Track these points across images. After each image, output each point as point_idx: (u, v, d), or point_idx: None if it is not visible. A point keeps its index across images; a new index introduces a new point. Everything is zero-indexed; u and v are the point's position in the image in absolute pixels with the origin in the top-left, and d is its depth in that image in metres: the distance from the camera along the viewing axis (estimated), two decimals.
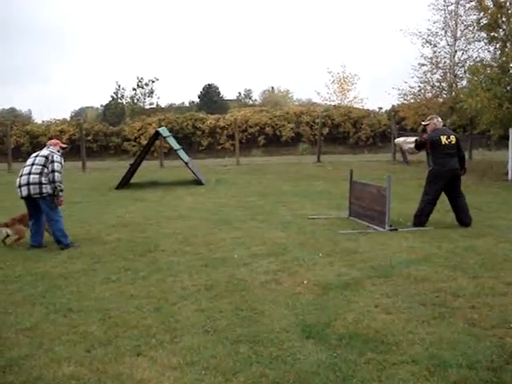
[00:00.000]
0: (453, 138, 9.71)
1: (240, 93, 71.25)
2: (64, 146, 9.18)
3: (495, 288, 6.02)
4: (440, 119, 10.20)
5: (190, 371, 4.13)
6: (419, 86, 25.61)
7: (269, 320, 5.13)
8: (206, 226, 10.03)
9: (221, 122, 34.38)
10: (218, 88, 64.40)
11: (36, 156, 8.71)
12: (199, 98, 63.18)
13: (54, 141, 9.17)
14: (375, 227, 9.60)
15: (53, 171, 8.40)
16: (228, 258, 7.54)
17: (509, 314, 5.19)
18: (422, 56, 25.36)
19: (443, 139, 9.62)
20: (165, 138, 18.69)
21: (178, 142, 19.60)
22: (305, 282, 6.29)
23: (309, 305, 5.53)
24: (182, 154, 18.27)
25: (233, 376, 4.03)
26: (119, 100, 52.47)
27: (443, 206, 11.65)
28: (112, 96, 53.17)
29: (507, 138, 18.44)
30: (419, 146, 10.07)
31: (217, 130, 34.07)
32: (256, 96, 69.94)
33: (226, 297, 5.86)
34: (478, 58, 22.77)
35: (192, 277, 6.67)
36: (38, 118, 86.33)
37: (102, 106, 59.23)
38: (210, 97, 61.83)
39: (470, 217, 9.84)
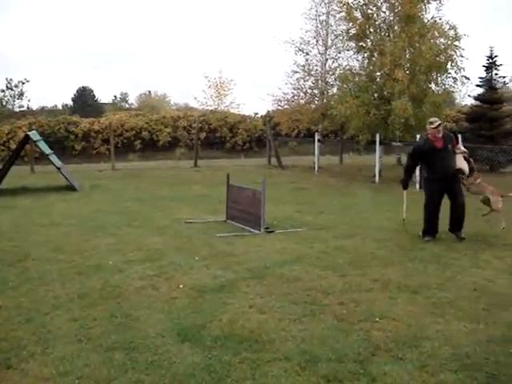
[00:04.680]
0: None
1: (116, 96, 69.72)
2: None
3: (362, 285, 6.38)
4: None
5: (62, 381, 4.03)
6: (292, 93, 26.31)
7: (144, 326, 5.11)
8: (80, 233, 9.77)
9: (95, 125, 33.43)
10: (92, 91, 62.62)
11: None
12: (73, 100, 61.08)
13: None
14: (251, 230, 9.80)
15: None
16: (102, 265, 7.39)
17: (374, 309, 5.52)
18: (295, 63, 26.09)
19: None
20: (35, 142, 17.95)
21: (49, 147, 18.87)
22: (181, 286, 6.31)
23: (184, 308, 5.57)
24: (53, 158, 17.63)
25: None
26: None
27: (316, 209, 12.15)
28: None
29: (375, 143, 19.41)
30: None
31: (91, 134, 33.12)
32: (132, 100, 68.78)
33: (100, 304, 5.77)
34: (348, 67, 23.73)
35: (65, 285, 6.48)
36: None
37: None
38: (84, 100, 59.96)
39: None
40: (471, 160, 9.38)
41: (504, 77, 25.36)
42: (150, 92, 64.86)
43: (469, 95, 24.88)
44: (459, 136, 15.74)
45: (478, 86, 23.62)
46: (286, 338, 4.77)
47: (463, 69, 20.10)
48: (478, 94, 23.51)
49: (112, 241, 9.04)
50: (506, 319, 5.23)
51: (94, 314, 5.45)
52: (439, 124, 8.86)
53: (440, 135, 8.86)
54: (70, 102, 61.25)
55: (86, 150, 33.08)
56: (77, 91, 61.40)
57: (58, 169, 17.41)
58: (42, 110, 51.12)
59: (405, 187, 9.62)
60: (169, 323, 5.16)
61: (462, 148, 9.36)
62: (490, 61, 23.18)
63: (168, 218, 11.46)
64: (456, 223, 8.94)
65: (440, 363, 4.26)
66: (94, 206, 13.57)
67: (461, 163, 9.00)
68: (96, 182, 18.73)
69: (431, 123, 8.91)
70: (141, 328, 5.06)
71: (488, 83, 23.32)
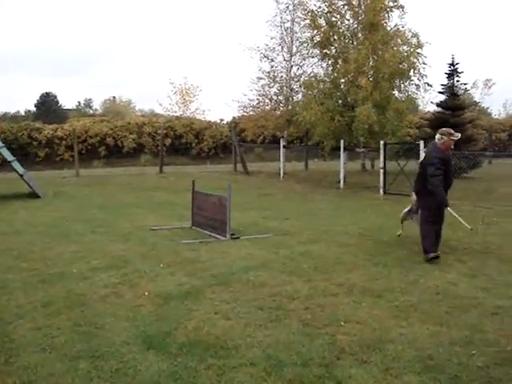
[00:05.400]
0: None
1: (80, 102, 69.17)
2: None
3: (327, 289, 6.43)
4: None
5: None
6: (258, 99, 26.38)
7: (109, 334, 5.07)
8: (44, 241, 9.62)
9: (59, 132, 33.02)
10: (56, 97, 62.01)
11: None
12: (36, 106, 60.37)
13: None
14: (217, 236, 9.79)
15: None
16: (66, 273, 7.30)
17: (339, 313, 5.57)
18: (260, 70, 26.18)
19: None
20: None
21: (12, 153, 18.56)
22: (146, 294, 6.28)
23: (150, 316, 5.54)
24: (16, 165, 17.35)
25: None
26: None
27: (281, 215, 12.20)
28: None
29: (339, 149, 19.58)
30: None
31: (55, 141, 32.72)
32: (97, 106, 68.23)
33: (64, 313, 5.69)
34: (312, 74, 24.01)
35: (28, 294, 6.38)
36: None
37: None
38: (47, 106, 59.28)
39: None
40: None
41: (465, 84, 25.93)
42: (114, 98, 64.51)
43: (431, 102, 25.46)
44: (421, 142, 16.03)
45: (440, 92, 24.06)
46: (252, 343, 4.78)
47: (426, 76, 20.53)
48: (441, 101, 23.93)
49: (76, 248, 8.93)
50: (467, 321, 5.33)
51: (58, 323, 5.38)
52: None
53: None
54: (33, 108, 60.47)
55: (50, 156, 32.66)
56: (40, 97, 60.66)
57: (21, 176, 17.14)
58: (4, 116, 50.34)
59: (446, 202, 7.92)
60: (134, 331, 5.13)
61: None
62: (452, 68, 23.61)
63: (133, 224, 11.37)
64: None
65: (404, 365, 4.32)
66: (57, 213, 13.39)
67: None
68: (60, 189, 18.50)
69: (452, 134, 8.03)
70: (106, 336, 5.01)
71: (450, 90, 23.74)
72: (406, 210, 9.18)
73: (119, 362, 4.45)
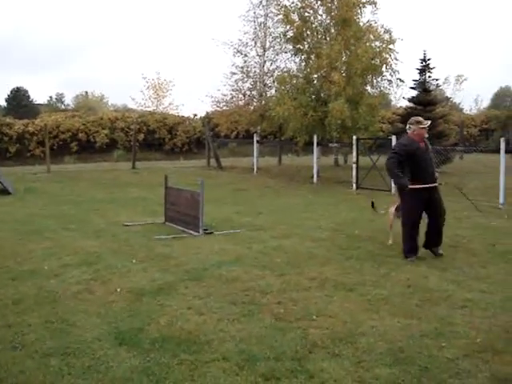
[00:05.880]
0: None
1: (51, 97, 68.30)
2: None
3: (300, 284, 6.48)
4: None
5: None
6: (231, 94, 26.31)
7: (81, 331, 5.04)
8: (14, 238, 9.50)
9: (30, 127, 32.57)
10: (27, 92, 61.15)
11: None
12: (6, 101, 59.50)
13: None
14: (190, 231, 9.77)
15: None
16: (38, 270, 7.23)
17: (312, 307, 5.62)
18: (233, 65, 26.08)
19: None
20: None
21: None
22: (118, 290, 6.25)
23: (122, 312, 5.52)
24: None
25: None
26: None
27: (254, 210, 12.23)
28: None
29: (312, 144, 19.66)
30: None
31: (26, 136, 32.28)
32: (69, 101, 67.43)
33: (35, 310, 5.64)
34: (286, 69, 23.99)
35: None
36: None
37: None
38: (18, 101, 58.46)
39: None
40: None
41: (437, 79, 26.16)
42: (86, 93, 63.83)
43: (403, 97, 25.43)
44: (393, 138, 16.19)
45: (412, 88, 24.21)
46: (225, 338, 4.80)
47: (398, 71, 20.69)
48: (412, 96, 24.08)
49: (48, 245, 8.85)
50: (438, 314, 5.41)
51: (29, 320, 5.33)
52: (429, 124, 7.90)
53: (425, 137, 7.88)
54: (4, 103, 59.62)
55: (21, 152, 32.21)
56: (11, 92, 59.79)
57: None
58: None
59: (404, 185, 7.73)
60: (106, 327, 5.11)
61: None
62: (424, 64, 23.77)
63: (105, 220, 11.29)
64: (435, 237, 7.87)
65: (375, 358, 4.37)
66: (28, 209, 13.23)
67: None
68: (31, 185, 18.26)
69: (420, 122, 7.79)
70: (77, 333, 4.99)
71: (422, 85, 23.91)
72: (393, 208, 8.70)
73: (91, 358, 4.43)
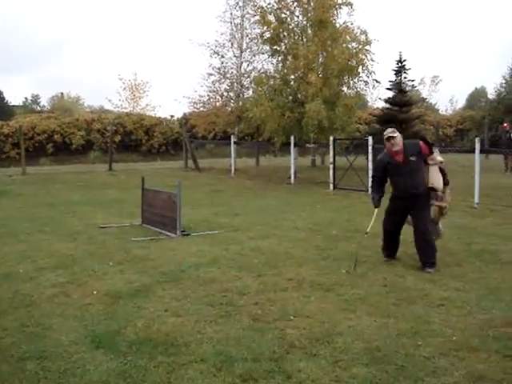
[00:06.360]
0: None
1: (27, 98, 67.55)
2: None
3: (277, 284, 6.50)
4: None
5: None
6: (208, 95, 26.22)
7: (57, 334, 5.00)
8: None
9: (5, 129, 32.17)
10: (1, 93, 60.36)
11: None
12: None
13: None
14: (167, 233, 9.74)
15: None
16: (13, 273, 7.16)
17: (289, 308, 5.64)
18: (210, 66, 25.99)
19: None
20: None
21: None
22: (94, 293, 6.21)
23: (98, 315, 5.49)
24: None
25: None
26: None
27: (232, 211, 12.22)
28: None
29: (290, 145, 19.71)
30: None
31: (0, 138, 31.89)
32: (44, 102, 66.74)
33: (10, 314, 5.59)
34: (263, 70, 24.02)
35: None
36: None
37: None
38: None
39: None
40: (446, 171, 7.84)
41: (413, 80, 26.38)
42: (62, 94, 63.22)
43: (380, 98, 25.71)
44: (370, 138, 16.30)
45: (388, 89, 24.37)
46: (202, 340, 4.79)
47: (374, 72, 20.80)
48: (389, 97, 24.26)
49: (23, 248, 8.75)
50: (414, 313, 5.46)
51: (4, 324, 5.28)
52: (391, 136, 7.30)
53: (398, 148, 7.30)
54: None
55: None
56: None
57: None
58: None
59: (375, 204, 7.66)
60: (82, 330, 5.07)
61: (438, 158, 7.72)
62: (400, 65, 23.95)
63: (81, 223, 11.20)
64: (419, 253, 7.50)
65: (352, 358, 4.40)
66: (3, 212, 13.07)
67: (435, 178, 7.51)
68: (5, 188, 18.04)
69: (384, 135, 7.46)
70: (53, 336, 4.94)
71: (398, 86, 24.08)
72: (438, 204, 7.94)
73: (67, 362, 4.40)
